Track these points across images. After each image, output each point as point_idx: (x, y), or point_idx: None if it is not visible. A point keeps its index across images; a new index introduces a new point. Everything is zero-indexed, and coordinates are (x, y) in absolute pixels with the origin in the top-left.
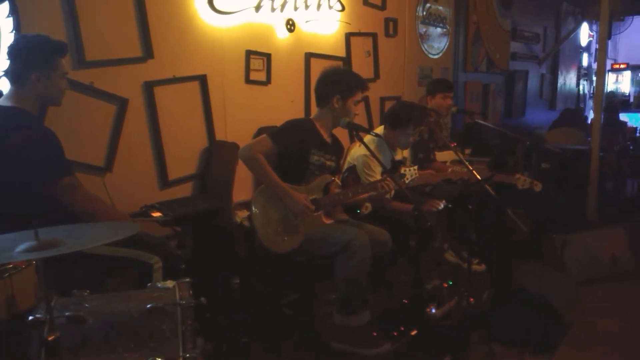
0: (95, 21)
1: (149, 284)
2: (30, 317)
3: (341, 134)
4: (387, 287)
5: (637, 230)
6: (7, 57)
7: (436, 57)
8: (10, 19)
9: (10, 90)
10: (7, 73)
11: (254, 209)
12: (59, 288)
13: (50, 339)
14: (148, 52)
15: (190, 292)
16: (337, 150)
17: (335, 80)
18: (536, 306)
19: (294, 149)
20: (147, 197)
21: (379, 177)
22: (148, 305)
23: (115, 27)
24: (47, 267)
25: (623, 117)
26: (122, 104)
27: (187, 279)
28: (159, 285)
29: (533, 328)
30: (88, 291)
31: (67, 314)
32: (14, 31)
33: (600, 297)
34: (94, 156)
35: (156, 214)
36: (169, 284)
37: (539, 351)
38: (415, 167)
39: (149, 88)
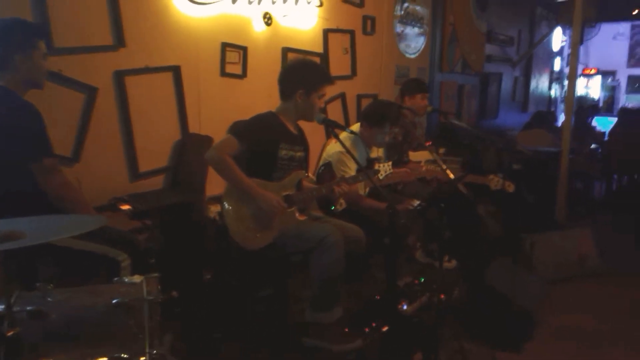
0: (64, 6)
1: (116, 279)
2: None
3: (317, 129)
4: (360, 283)
5: (604, 231)
6: None
7: (413, 56)
8: None
9: None
10: None
11: (225, 205)
12: (22, 281)
13: (9, 334)
14: (120, 41)
15: (159, 287)
16: (303, 140)
17: (299, 74)
18: (506, 304)
19: (261, 146)
20: (117, 189)
21: (353, 173)
22: (114, 300)
23: (85, 13)
24: (8, 260)
25: (594, 121)
26: (92, 93)
27: (156, 274)
28: (126, 279)
29: (502, 325)
30: (52, 285)
31: (28, 308)
32: None
33: (568, 296)
34: (61, 146)
35: (125, 207)
36: (137, 278)
37: (508, 347)
38: (390, 163)
39: (119, 77)
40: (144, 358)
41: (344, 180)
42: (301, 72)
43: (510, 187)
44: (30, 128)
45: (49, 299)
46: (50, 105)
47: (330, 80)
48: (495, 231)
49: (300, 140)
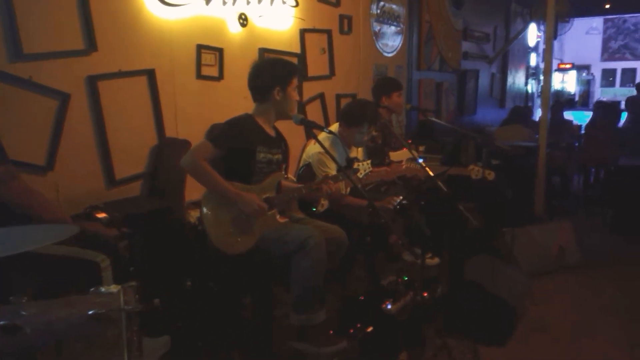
0: (33, 11)
1: (92, 289)
2: None
3: (297, 130)
4: (344, 284)
5: (581, 224)
6: None
7: (391, 55)
8: None
9: None
10: None
11: (204, 210)
12: None
13: None
14: (91, 45)
15: (137, 296)
16: (281, 141)
17: (271, 73)
18: (488, 299)
19: (239, 150)
20: (94, 197)
21: (334, 173)
22: (90, 312)
23: (55, 17)
24: None
25: (568, 115)
26: (64, 99)
27: (133, 283)
28: (103, 289)
29: (485, 320)
30: (26, 298)
31: (1, 323)
32: None
33: (549, 288)
34: (34, 154)
35: (101, 215)
36: (114, 288)
37: (491, 342)
38: (369, 162)
39: (92, 82)
40: None
41: (328, 179)
42: (272, 70)
43: (490, 175)
44: None
45: (22, 312)
46: (21, 112)
47: (299, 70)
48: (475, 227)
49: (278, 143)
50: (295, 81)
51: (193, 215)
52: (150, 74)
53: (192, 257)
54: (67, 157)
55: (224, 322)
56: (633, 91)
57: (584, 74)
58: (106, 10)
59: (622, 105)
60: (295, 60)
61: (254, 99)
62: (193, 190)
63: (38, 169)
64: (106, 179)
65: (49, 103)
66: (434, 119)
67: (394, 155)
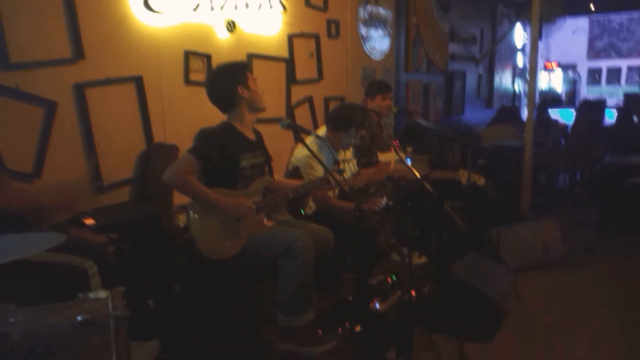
0: (20, 20)
1: (80, 295)
2: None
3: (286, 133)
4: (332, 285)
5: (567, 222)
6: None
7: (379, 58)
8: None
9: None
10: None
11: (191, 217)
12: None
13: None
14: (78, 53)
15: (125, 301)
16: (261, 143)
17: (227, 78)
18: (474, 296)
19: (221, 160)
20: (82, 203)
21: (321, 175)
22: (79, 318)
23: (42, 25)
24: None
25: (555, 113)
26: (51, 108)
27: (121, 288)
28: (91, 295)
29: (472, 317)
30: (14, 305)
31: None
32: None
33: (534, 284)
34: (21, 162)
35: (89, 221)
36: (102, 294)
37: (478, 339)
38: (354, 162)
39: (79, 90)
40: None
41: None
42: (226, 76)
43: (481, 181)
44: None
45: (10, 319)
46: (8, 121)
47: (245, 63)
48: (461, 226)
49: (259, 144)
50: (250, 74)
51: (181, 219)
52: (138, 81)
53: (180, 262)
54: (54, 164)
55: (212, 325)
56: (619, 89)
57: (570, 73)
58: (93, 18)
59: (613, 103)
60: (283, 65)
61: (224, 110)
62: (181, 195)
63: (25, 176)
64: (94, 185)
65: (36, 111)
66: (419, 121)
67: (383, 156)
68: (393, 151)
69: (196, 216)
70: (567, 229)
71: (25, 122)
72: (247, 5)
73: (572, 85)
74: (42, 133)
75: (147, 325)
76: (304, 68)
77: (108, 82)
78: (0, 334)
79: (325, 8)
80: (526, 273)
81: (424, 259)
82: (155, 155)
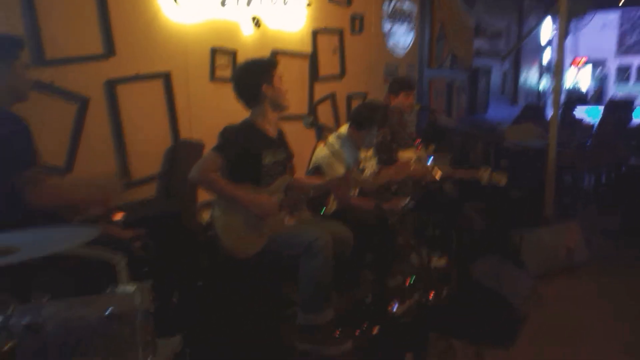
0: (55, 18)
1: (109, 289)
2: None
3: (307, 132)
4: (351, 285)
5: (592, 224)
6: None
7: (402, 54)
8: None
9: None
10: None
11: (215, 215)
12: (16, 293)
13: (6, 347)
14: (110, 50)
15: (152, 295)
16: (283, 140)
17: (253, 75)
18: (493, 301)
19: (245, 158)
20: (110, 198)
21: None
22: (107, 311)
23: (76, 24)
24: (2, 273)
25: (582, 112)
26: (83, 103)
27: (148, 283)
28: (119, 289)
29: (490, 322)
30: (47, 297)
31: (24, 322)
32: None
33: (556, 290)
34: (54, 156)
35: (117, 216)
36: (130, 287)
37: (496, 344)
38: (375, 159)
39: (110, 86)
40: None
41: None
42: (252, 72)
43: (502, 181)
44: (12, 139)
45: (43, 311)
46: (43, 116)
47: (273, 60)
48: (482, 228)
49: (280, 142)
50: (276, 72)
51: (205, 216)
52: (166, 77)
53: (203, 258)
54: (85, 158)
55: (233, 322)
56: None
57: (599, 70)
58: (124, 16)
59: None
60: (306, 61)
61: (247, 106)
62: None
63: (58, 170)
64: (123, 180)
65: (69, 107)
66: (442, 119)
67: (403, 154)
68: (414, 150)
69: (220, 213)
70: (590, 233)
71: (59, 117)
72: (272, 2)
73: (600, 83)
74: (74, 128)
75: (171, 320)
76: (327, 64)
77: (138, 78)
78: (35, 325)
79: (349, 3)
80: (548, 278)
81: (443, 261)
82: (181, 152)
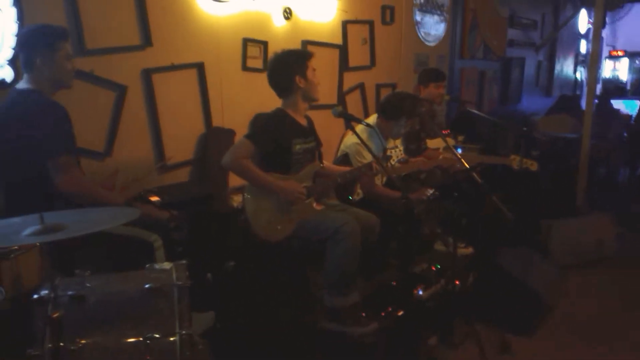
0: (95, 10)
1: (147, 265)
2: (35, 295)
3: (336, 121)
4: (376, 270)
5: (624, 217)
6: (14, 47)
7: (433, 44)
8: (14, 9)
9: (24, 77)
10: (14, 62)
11: (246, 200)
12: (62, 267)
13: (54, 316)
14: (147, 40)
15: (187, 273)
16: (312, 129)
17: (287, 65)
18: (517, 289)
19: (276, 145)
20: (146, 181)
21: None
22: (146, 285)
23: (115, 15)
24: (50, 248)
25: (618, 104)
26: (121, 91)
27: (184, 261)
28: (157, 266)
29: (514, 310)
30: (89, 271)
31: (69, 293)
32: (17, 21)
33: (583, 282)
34: (94, 141)
35: (154, 198)
36: (166, 265)
37: (519, 332)
38: (401, 149)
39: (147, 75)
40: (173, 338)
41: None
42: (287, 63)
43: (534, 166)
44: (51, 125)
45: (87, 284)
46: (83, 103)
47: (308, 53)
48: (510, 218)
49: (310, 130)
50: (310, 64)
51: (235, 200)
52: (200, 67)
53: (235, 240)
54: (123, 144)
55: (262, 301)
56: None
57: (638, 62)
58: (161, 8)
59: None
60: (337, 52)
61: (280, 95)
62: (236, 176)
63: (98, 155)
64: (158, 164)
65: (108, 94)
66: (471, 110)
67: (431, 143)
68: (442, 139)
69: (250, 198)
70: (623, 226)
71: (98, 104)
72: None
73: (639, 75)
74: (113, 115)
75: (204, 297)
76: (357, 54)
77: (173, 68)
78: (79, 296)
79: None
80: (576, 269)
81: (470, 250)
82: (214, 139)
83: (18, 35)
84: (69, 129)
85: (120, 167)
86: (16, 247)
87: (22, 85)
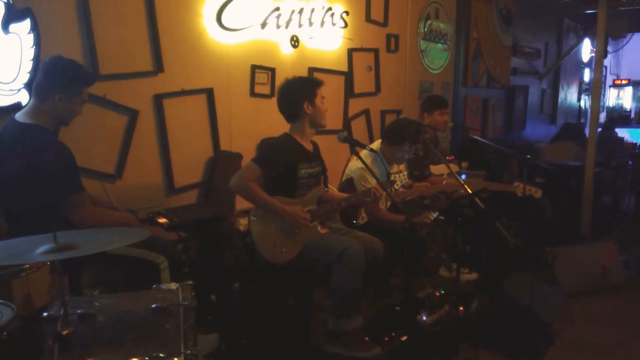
0: (109, 37)
1: (154, 285)
2: (45, 313)
3: (341, 146)
4: (380, 293)
5: (629, 244)
6: (39, 70)
7: (437, 72)
8: (32, 35)
9: (30, 104)
10: (30, 85)
11: (252, 222)
12: (71, 286)
13: (63, 333)
14: (159, 66)
15: (193, 293)
16: (318, 154)
17: (296, 92)
18: (523, 315)
19: (282, 169)
20: (154, 203)
21: None
22: (153, 305)
23: (128, 42)
24: (60, 268)
25: (623, 132)
26: (133, 115)
27: (190, 282)
28: (164, 286)
29: (519, 336)
30: (98, 290)
31: (78, 311)
32: (34, 46)
33: (589, 309)
34: (105, 164)
35: (162, 220)
36: (173, 285)
37: (525, 358)
38: (405, 173)
39: (158, 100)
40: (178, 358)
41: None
42: (296, 89)
43: (538, 193)
44: (59, 166)
45: (96, 303)
46: (96, 126)
47: (319, 81)
48: (514, 244)
49: (315, 155)
50: (319, 92)
51: (242, 223)
52: (209, 93)
53: (240, 262)
54: (133, 166)
55: (266, 323)
56: None
57: None
58: (172, 36)
59: None
60: (342, 79)
61: (288, 120)
62: (243, 199)
63: (108, 177)
64: (166, 187)
65: (120, 118)
66: (476, 137)
67: (435, 169)
68: (447, 165)
69: (257, 221)
70: (629, 253)
71: (110, 127)
72: (310, 23)
73: None
74: (124, 138)
75: (209, 318)
76: (362, 81)
77: (183, 93)
78: (88, 315)
79: (385, 23)
80: (581, 297)
81: (474, 275)
82: (221, 162)
83: (49, 61)
84: (75, 167)
85: (129, 189)
86: (27, 266)
87: (24, 118)
